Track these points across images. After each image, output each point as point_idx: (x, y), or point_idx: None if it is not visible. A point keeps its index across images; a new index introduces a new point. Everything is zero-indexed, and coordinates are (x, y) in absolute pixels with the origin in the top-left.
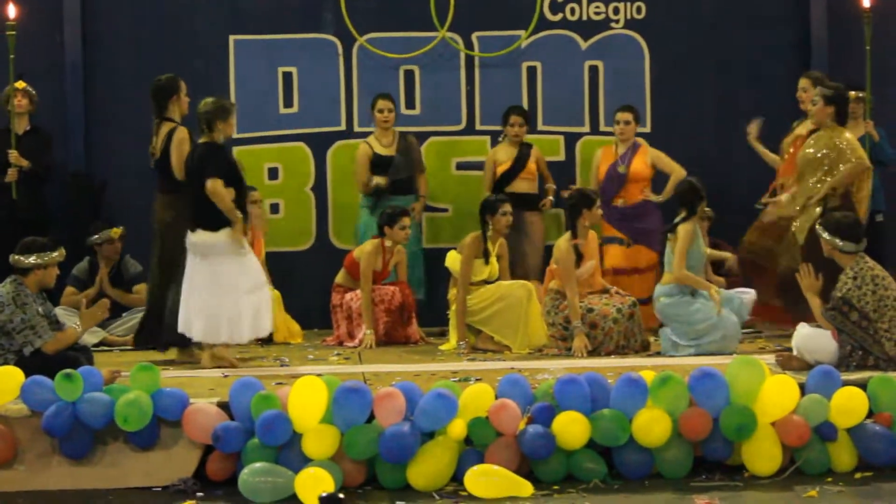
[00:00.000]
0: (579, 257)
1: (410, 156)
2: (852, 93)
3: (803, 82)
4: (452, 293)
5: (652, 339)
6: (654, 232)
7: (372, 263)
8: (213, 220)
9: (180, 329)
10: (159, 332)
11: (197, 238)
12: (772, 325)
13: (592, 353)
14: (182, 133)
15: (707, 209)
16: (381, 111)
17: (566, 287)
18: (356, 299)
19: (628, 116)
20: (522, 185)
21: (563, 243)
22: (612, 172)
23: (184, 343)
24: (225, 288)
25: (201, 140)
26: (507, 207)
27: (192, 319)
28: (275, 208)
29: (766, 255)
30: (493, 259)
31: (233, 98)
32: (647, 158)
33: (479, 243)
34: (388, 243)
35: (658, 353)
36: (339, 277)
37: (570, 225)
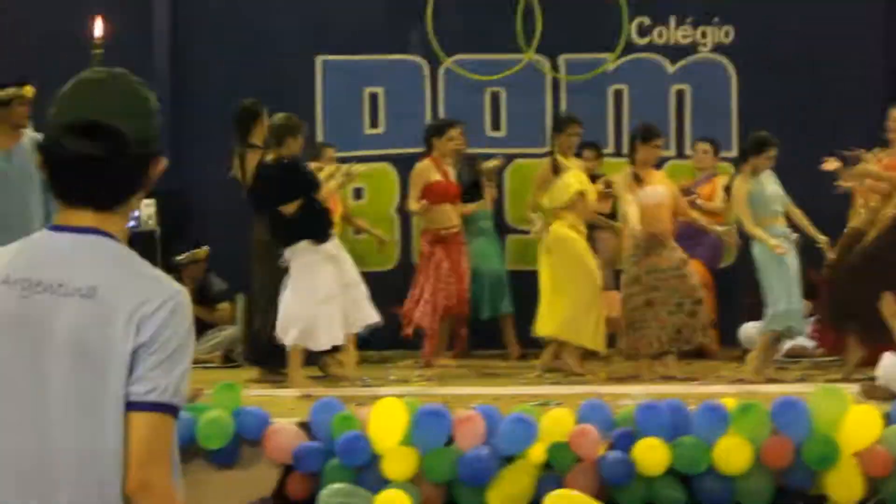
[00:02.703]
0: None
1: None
2: None
3: (895, 113)
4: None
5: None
6: (707, 249)
7: (426, 177)
8: (292, 233)
9: (280, 339)
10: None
11: (287, 253)
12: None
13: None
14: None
15: (795, 235)
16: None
17: (622, 203)
18: (444, 260)
19: (706, 147)
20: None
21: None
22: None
23: (275, 361)
24: (315, 294)
25: (270, 157)
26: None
27: (287, 327)
28: (357, 231)
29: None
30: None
31: (319, 118)
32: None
33: (423, 171)
34: (435, 154)
35: (739, 380)
36: (423, 223)
37: (631, 160)
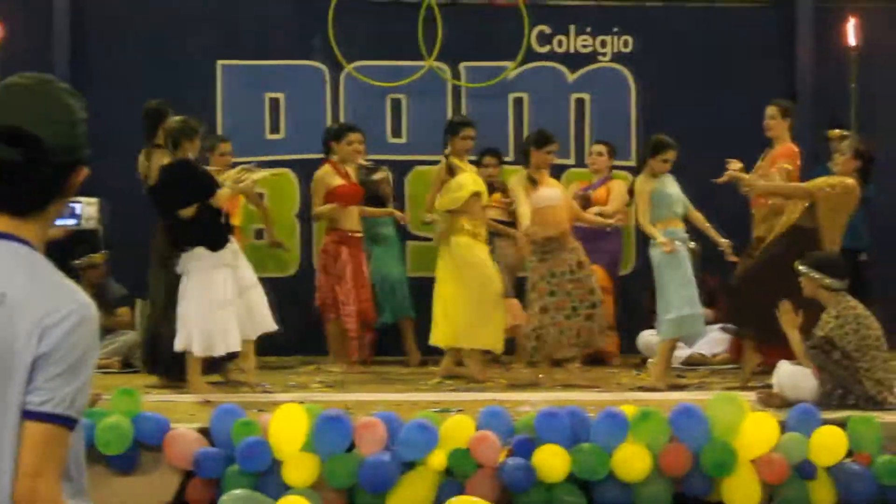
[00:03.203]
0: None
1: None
2: (837, 130)
3: (771, 110)
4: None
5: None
6: (607, 255)
7: (328, 182)
8: (188, 238)
9: (178, 347)
10: (173, 357)
11: (182, 259)
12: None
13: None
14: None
15: (693, 244)
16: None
17: (517, 205)
18: (349, 262)
19: (601, 148)
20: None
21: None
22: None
23: (174, 368)
24: (211, 300)
25: (167, 161)
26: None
27: (184, 333)
28: (260, 234)
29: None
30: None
31: (220, 123)
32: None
33: (324, 176)
34: (335, 158)
35: (641, 388)
36: (330, 224)
37: (525, 164)
